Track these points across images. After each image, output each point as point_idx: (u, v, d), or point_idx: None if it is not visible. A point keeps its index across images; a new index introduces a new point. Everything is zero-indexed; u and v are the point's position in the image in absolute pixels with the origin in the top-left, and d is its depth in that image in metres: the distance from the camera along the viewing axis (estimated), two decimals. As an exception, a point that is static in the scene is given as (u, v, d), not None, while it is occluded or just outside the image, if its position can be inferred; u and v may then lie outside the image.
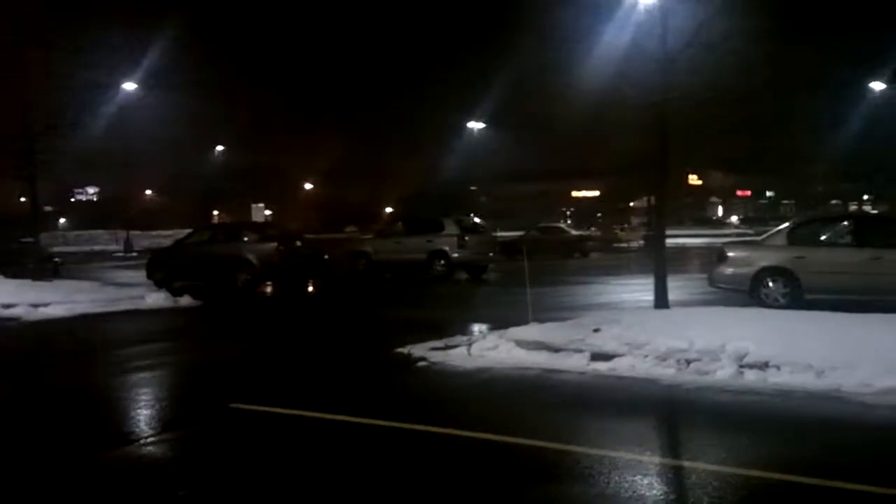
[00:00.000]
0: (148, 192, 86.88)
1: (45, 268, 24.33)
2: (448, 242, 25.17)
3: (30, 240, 24.77)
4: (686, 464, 6.26)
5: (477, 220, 30.45)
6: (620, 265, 28.84)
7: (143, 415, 8.50)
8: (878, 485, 5.58)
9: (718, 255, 15.98)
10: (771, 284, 14.62)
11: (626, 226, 57.22)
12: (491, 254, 27.27)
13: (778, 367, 8.91)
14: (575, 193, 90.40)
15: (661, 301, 12.62)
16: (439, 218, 26.76)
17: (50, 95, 21.14)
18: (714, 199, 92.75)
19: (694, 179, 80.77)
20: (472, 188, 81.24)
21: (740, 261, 15.37)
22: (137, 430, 7.82)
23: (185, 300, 18.99)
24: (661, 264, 12.86)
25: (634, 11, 13.82)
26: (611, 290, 20.41)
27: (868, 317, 10.87)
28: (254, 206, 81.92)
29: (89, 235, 67.41)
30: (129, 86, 48.22)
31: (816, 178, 79.12)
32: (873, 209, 65.18)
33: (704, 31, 12.43)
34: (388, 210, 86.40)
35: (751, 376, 8.93)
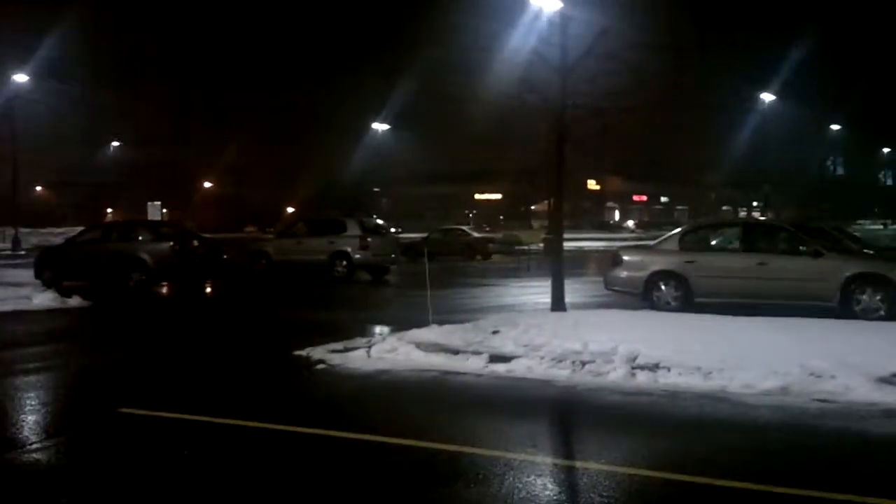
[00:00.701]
0: (38, 187, 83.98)
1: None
2: (350, 243, 25.06)
3: None
4: (579, 464, 6.39)
5: (379, 221, 30.43)
6: (521, 268, 29.18)
7: (28, 420, 8.21)
8: (759, 482, 5.78)
9: (613, 259, 16.35)
10: (663, 288, 15.05)
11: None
12: (393, 255, 27.29)
13: (668, 369, 9.18)
14: (477, 196, 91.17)
15: (558, 304, 12.87)
16: (341, 219, 26.65)
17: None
18: (611, 203, 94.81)
19: (592, 185, 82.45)
20: (375, 189, 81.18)
21: (634, 265, 15.77)
22: (21, 436, 7.53)
23: (75, 301, 18.39)
24: (558, 268, 13.11)
25: (537, 19, 14.06)
26: (510, 293, 20.66)
27: (753, 320, 11.34)
28: (150, 204, 79.89)
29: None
30: (20, 77, 46.63)
31: (709, 185, 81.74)
32: (762, 216, 67.70)
33: (603, 42, 12.74)
34: (290, 210, 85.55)
35: (642, 378, 9.16)
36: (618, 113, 13.70)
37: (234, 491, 5.93)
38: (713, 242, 16.03)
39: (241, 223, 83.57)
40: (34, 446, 7.13)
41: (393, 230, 37.67)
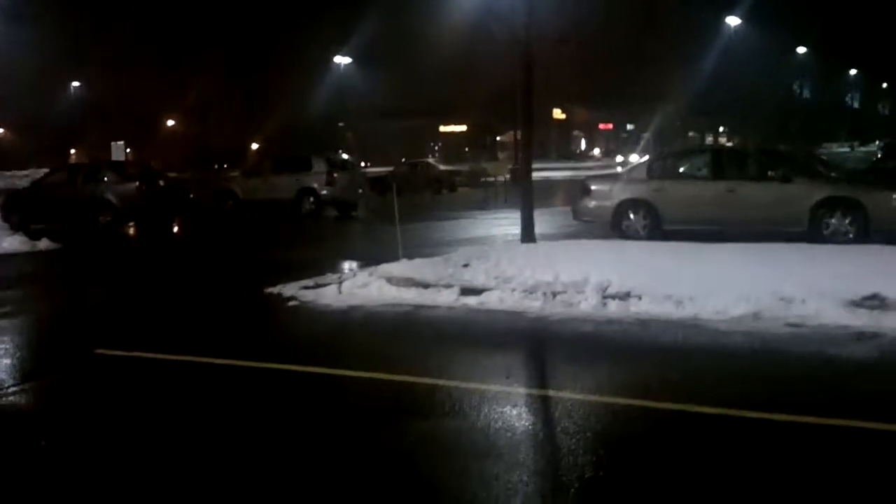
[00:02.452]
0: (0, 130, 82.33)
1: None
2: (317, 180, 24.94)
3: None
4: (552, 393, 6.48)
5: (345, 156, 30.21)
6: (488, 199, 29.18)
7: (2, 364, 8.17)
8: (733, 408, 5.89)
9: (582, 189, 16.38)
10: (632, 217, 15.13)
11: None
12: (360, 191, 27.18)
13: (639, 297, 9.26)
14: (442, 129, 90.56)
15: (528, 235, 12.89)
16: (307, 156, 26.44)
17: None
18: (577, 132, 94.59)
19: (558, 114, 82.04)
20: (340, 125, 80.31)
21: (602, 194, 15.81)
22: (-3, 379, 7.53)
23: (44, 243, 18.21)
24: (527, 199, 13.10)
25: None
26: (479, 226, 20.69)
27: (723, 247, 11.44)
28: (113, 144, 78.56)
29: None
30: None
31: (674, 112, 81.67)
32: (729, 142, 67.93)
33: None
34: (254, 147, 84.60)
35: (613, 307, 9.24)
36: (583, 41, 13.55)
37: (211, 429, 5.97)
38: (681, 170, 16.08)
39: (207, 162, 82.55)
40: (10, 389, 7.12)
41: (361, 165, 37.41)
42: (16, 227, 21.25)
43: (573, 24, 13.10)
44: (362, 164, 41.54)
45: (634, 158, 45.85)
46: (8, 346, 8.99)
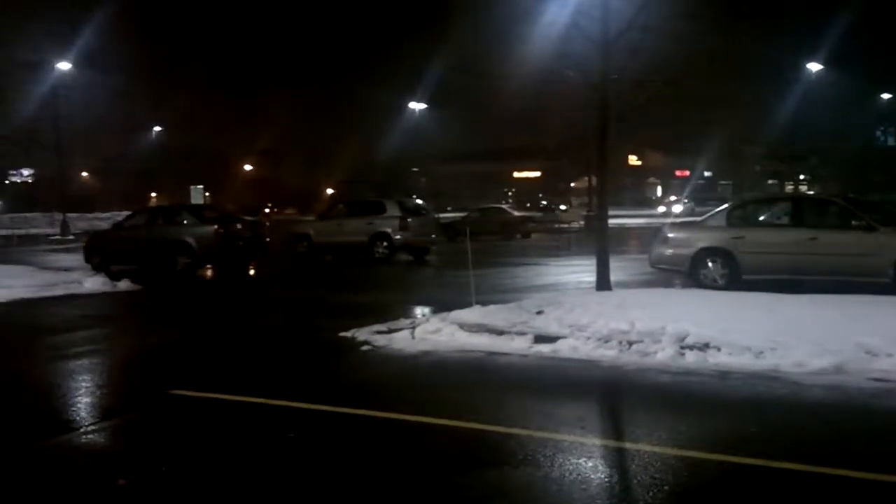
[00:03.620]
0: (84, 173, 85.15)
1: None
2: (390, 224, 25.07)
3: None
4: (629, 446, 6.31)
5: (419, 201, 30.39)
6: (561, 246, 29.01)
7: (82, 402, 8.34)
8: (814, 464, 5.68)
9: (658, 236, 16.15)
10: (710, 265, 14.84)
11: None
12: (433, 236, 27.25)
13: (717, 349, 9.05)
14: (516, 174, 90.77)
15: (603, 283, 12.72)
16: (381, 200, 26.65)
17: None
18: (653, 179, 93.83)
19: (633, 160, 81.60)
20: (414, 170, 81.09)
21: (680, 241, 15.56)
22: (75, 418, 7.65)
23: (124, 284, 18.66)
24: (603, 246, 12.94)
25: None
26: (552, 272, 20.54)
27: (804, 297, 11.11)
28: (192, 187, 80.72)
29: (24, 218, 65.74)
30: (64, 65, 47.09)
31: (753, 158, 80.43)
32: (809, 190, 66.61)
33: (644, 14, 12.50)
34: (329, 192, 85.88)
35: (691, 357, 9.04)
36: (661, 86, 13.42)
37: (284, 471, 5.95)
38: (761, 218, 15.75)
39: (280, 205, 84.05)
40: (89, 428, 7.23)
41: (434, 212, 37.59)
42: (97, 268, 21.85)
43: (651, 69, 13.05)
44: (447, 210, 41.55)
45: (678, 209, 45.12)
46: (87, 385, 9.16)
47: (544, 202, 59.84)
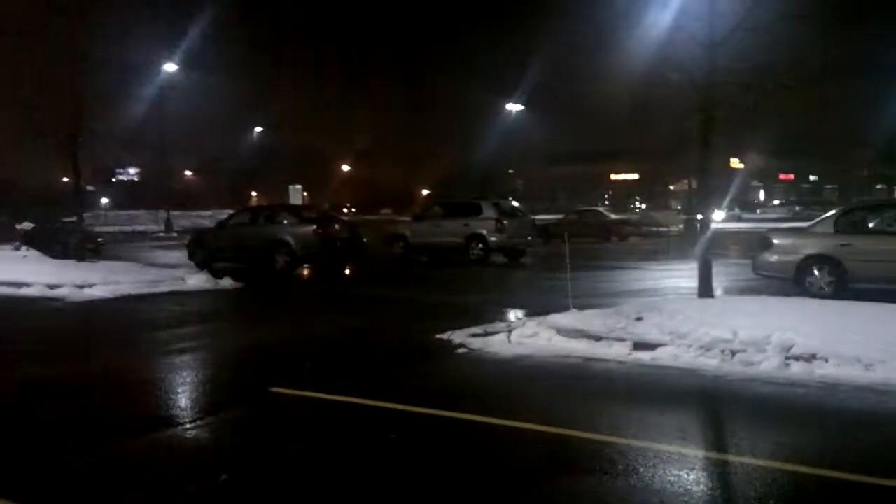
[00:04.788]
0: (187, 172, 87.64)
1: (87, 248, 24.57)
2: (486, 226, 25.05)
3: (72, 220, 24.99)
4: (731, 458, 6.15)
5: (515, 203, 30.30)
6: (659, 250, 28.53)
7: (185, 399, 8.56)
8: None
9: (763, 242, 15.73)
10: (816, 273, 14.38)
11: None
12: (529, 238, 27.13)
13: (825, 360, 8.75)
14: (613, 176, 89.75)
15: (705, 289, 12.41)
16: (477, 201, 26.65)
17: (93, 77, 21.38)
18: (756, 182, 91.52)
19: (735, 163, 79.75)
20: (510, 171, 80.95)
21: (785, 248, 15.13)
22: (178, 414, 7.85)
23: (226, 282, 19.11)
24: (705, 251, 12.64)
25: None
26: (650, 277, 20.21)
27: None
28: (291, 187, 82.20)
29: (130, 215, 68.10)
30: (170, 67, 48.56)
31: (861, 162, 77.76)
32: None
33: (752, 15, 12.18)
34: (425, 192, 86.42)
35: (796, 368, 8.77)
36: (769, 89, 13.03)
37: (378, 471, 5.99)
38: (871, 224, 15.18)
39: (375, 205, 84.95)
40: (193, 423, 7.40)
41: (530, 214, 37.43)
42: (201, 266, 22.44)
43: (758, 70, 12.69)
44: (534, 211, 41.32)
45: (720, 215, 43.66)
46: (190, 381, 9.41)
47: (641, 204, 58.88)
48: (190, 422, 7.47)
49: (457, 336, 11.27)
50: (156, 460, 6.43)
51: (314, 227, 23.03)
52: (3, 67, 22.21)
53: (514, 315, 13.50)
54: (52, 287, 18.00)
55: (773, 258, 15.18)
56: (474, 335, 11.29)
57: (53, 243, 25.73)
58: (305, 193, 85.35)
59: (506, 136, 70.32)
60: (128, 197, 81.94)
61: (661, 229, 36.41)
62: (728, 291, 14.16)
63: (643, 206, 54.91)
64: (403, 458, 6.37)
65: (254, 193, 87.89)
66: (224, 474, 5.98)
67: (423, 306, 15.63)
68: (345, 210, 75.38)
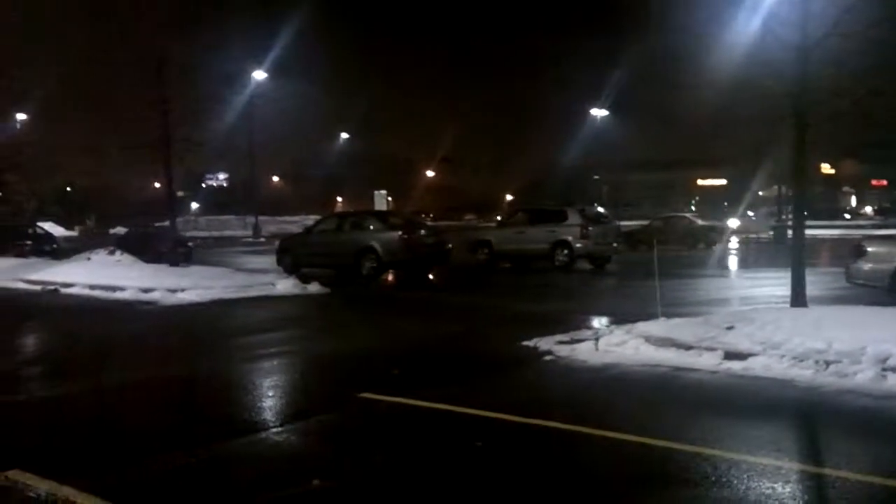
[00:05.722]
0: (274, 178, 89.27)
1: (178, 252, 25.28)
2: (571, 233, 24.91)
3: (164, 225, 25.71)
4: (829, 472, 6.02)
5: (600, 209, 30.08)
6: (748, 258, 27.98)
7: (275, 402, 8.80)
8: None
9: (857, 250, 15.34)
10: (913, 282, 13.96)
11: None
12: (614, 244, 26.91)
13: (925, 372, 8.50)
14: (700, 182, 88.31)
15: (799, 299, 12.14)
16: (562, 208, 26.54)
17: (183, 85, 22.07)
18: (847, 188, 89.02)
19: (826, 168, 77.72)
20: (595, 177, 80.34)
21: (879, 256, 14.73)
22: (268, 418, 8.05)
23: (314, 287, 19.42)
24: (799, 260, 12.36)
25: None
26: (738, 285, 19.88)
27: None
28: (376, 192, 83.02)
29: (219, 221, 69.71)
30: (259, 75, 49.57)
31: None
32: None
33: (845, 20, 11.91)
34: (508, 198, 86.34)
35: (893, 381, 8.53)
36: (863, 95, 12.71)
37: (465, 479, 6.04)
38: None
39: (459, 211, 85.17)
40: (283, 428, 7.57)
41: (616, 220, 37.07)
42: (289, 271, 22.87)
43: (852, 76, 12.37)
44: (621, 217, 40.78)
45: (734, 222, 42.40)
46: (281, 385, 9.65)
47: (749, 212, 57.35)
48: (280, 426, 7.65)
49: (543, 343, 11.26)
50: (246, 464, 6.60)
51: (400, 233, 23.26)
52: (95, 77, 23.10)
53: (600, 323, 13.42)
54: (145, 291, 18.60)
55: (867, 266, 14.78)
56: (561, 342, 11.26)
57: (146, 248, 26.53)
58: (390, 199, 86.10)
59: (591, 142, 69.88)
60: (216, 203, 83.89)
61: (751, 236, 35.70)
62: (821, 301, 13.80)
63: (750, 213, 53.59)
64: (490, 466, 6.41)
65: (339, 199, 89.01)
66: (316, 479, 6.05)
67: (508, 313, 15.64)
68: (425, 216, 75.87)
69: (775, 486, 5.73)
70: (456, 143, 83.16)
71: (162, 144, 22.31)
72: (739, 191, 79.11)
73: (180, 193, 67.42)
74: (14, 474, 6.05)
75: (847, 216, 67.67)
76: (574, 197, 50.04)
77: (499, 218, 33.26)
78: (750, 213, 55.29)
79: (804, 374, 8.97)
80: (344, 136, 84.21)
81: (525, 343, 11.37)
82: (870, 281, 14.76)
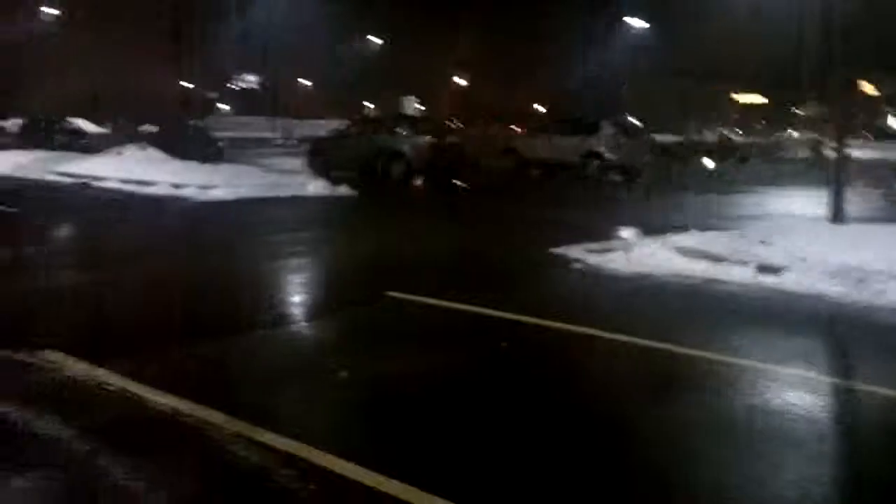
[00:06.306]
0: (302, 80, 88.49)
1: (210, 151, 25.26)
2: (603, 143, 24.60)
3: (195, 123, 25.61)
4: (860, 386, 5.99)
5: (634, 121, 29.63)
6: (784, 175, 27.53)
7: (305, 297, 8.89)
8: None
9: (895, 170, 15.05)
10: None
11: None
12: (647, 158, 26.55)
13: (961, 291, 8.38)
14: (737, 98, 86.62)
15: (837, 215, 11.91)
16: (596, 118, 26.15)
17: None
18: (889, 108, 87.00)
19: (869, 88, 75.88)
20: (623, 87, 78.91)
21: (920, 176, 14.46)
22: (298, 311, 8.16)
23: (343, 189, 19.39)
24: (839, 175, 12.09)
25: None
26: (772, 201, 19.55)
27: None
28: (404, 98, 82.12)
29: (249, 122, 69.39)
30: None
31: None
32: None
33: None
34: (538, 108, 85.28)
35: (928, 298, 8.42)
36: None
37: (486, 377, 6.07)
38: None
39: (487, 119, 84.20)
40: (311, 322, 7.62)
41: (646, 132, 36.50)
42: (319, 173, 22.79)
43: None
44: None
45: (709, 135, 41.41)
46: (309, 282, 9.73)
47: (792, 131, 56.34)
48: (309, 320, 7.70)
49: (572, 251, 11.17)
50: (275, 354, 6.65)
51: (430, 137, 23.06)
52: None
53: (631, 233, 13.29)
54: (176, 187, 18.65)
55: (908, 186, 14.54)
56: (590, 251, 11.17)
57: (177, 146, 26.48)
58: (418, 105, 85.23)
59: (628, 52, 68.49)
60: (247, 105, 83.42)
61: (788, 155, 35.07)
62: (859, 219, 13.57)
63: (790, 132, 52.53)
64: (513, 366, 6.42)
65: (367, 105, 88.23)
66: (342, 371, 6.06)
67: (538, 221, 15.53)
68: (455, 123, 75.15)
69: (804, 395, 5.70)
70: (488, 50, 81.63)
71: (173, 37, 21.95)
72: (779, 110, 77.72)
73: (211, 94, 67.22)
74: (49, 354, 6.13)
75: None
76: (604, 108, 49.24)
77: (531, 126, 32.79)
78: (791, 132, 54.27)
79: (836, 289, 8.85)
80: (373, 40, 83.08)
81: (553, 250, 11.30)
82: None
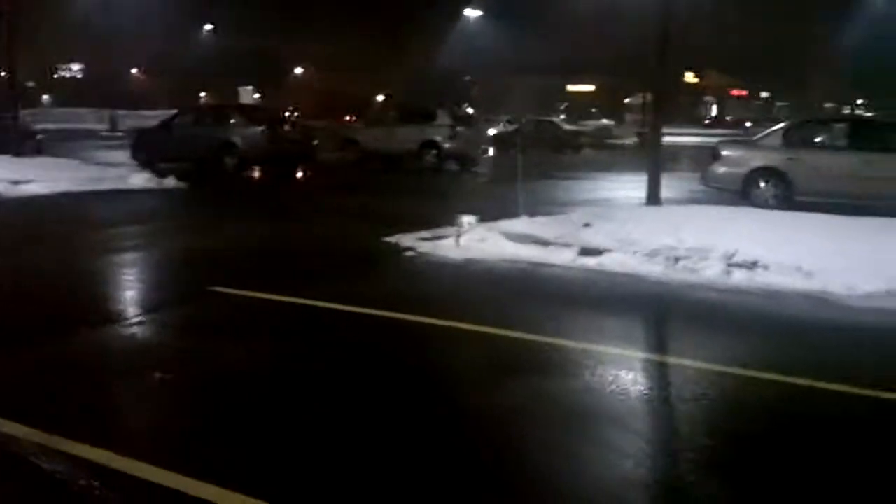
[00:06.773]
0: (134, 70, 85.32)
1: (27, 144, 23.88)
2: (440, 133, 24.73)
3: (8, 115, 24.09)
4: (671, 360, 6.22)
5: (470, 110, 29.98)
6: (612, 162, 28.54)
7: (126, 296, 8.44)
8: (857, 386, 5.54)
9: (712, 154, 15.79)
10: (762, 185, 14.52)
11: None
12: (482, 146, 26.90)
13: (766, 268, 8.85)
14: (569, 88, 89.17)
15: (654, 198, 12.45)
16: (432, 108, 26.27)
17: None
18: (709, 98, 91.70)
19: (690, 77, 79.71)
20: (466, 78, 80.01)
21: (733, 160, 15.22)
22: (118, 310, 7.68)
23: (170, 182, 18.70)
24: (655, 160, 12.64)
25: None
26: (602, 187, 20.24)
27: (857, 220, 10.82)
28: (241, 88, 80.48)
29: (74, 113, 66.18)
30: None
31: (813, 81, 78.10)
32: (867, 113, 64.64)
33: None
34: (379, 99, 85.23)
35: (738, 276, 8.85)
36: (721, 2, 12.89)
37: (314, 368, 5.96)
38: (818, 139, 15.30)
39: (336, 113, 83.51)
40: (132, 320, 7.25)
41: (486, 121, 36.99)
42: (144, 165, 21.92)
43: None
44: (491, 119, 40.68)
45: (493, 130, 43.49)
46: (130, 279, 9.29)
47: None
48: (128, 319, 7.32)
49: (405, 240, 11.16)
50: (94, 357, 6.32)
51: (263, 128, 22.58)
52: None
53: (464, 221, 13.36)
54: (-16, 182, 17.46)
55: (722, 169, 15.27)
56: (423, 239, 11.19)
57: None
58: (257, 96, 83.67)
59: (465, 44, 69.33)
60: (71, 95, 79.54)
61: (616, 142, 36.37)
62: (677, 202, 14.18)
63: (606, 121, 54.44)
64: (340, 356, 6.32)
65: (202, 94, 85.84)
66: (157, 370, 5.85)
67: (372, 211, 15.43)
68: (294, 114, 74.18)
69: (619, 373, 5.85)
70: (332, 42, 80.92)
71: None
72: (608, 98, 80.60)
73: (29, 84, 63.74)
74: None
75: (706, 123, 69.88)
76: (446, 99, 49.69)
77: (369, 117, 32.65)
78: (606, 121, 56.32)
79: (655, 269, 9.20)
80: (208, 28, 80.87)
81: (386, 239, 11.25)
82: (724, 184, 15.26)
